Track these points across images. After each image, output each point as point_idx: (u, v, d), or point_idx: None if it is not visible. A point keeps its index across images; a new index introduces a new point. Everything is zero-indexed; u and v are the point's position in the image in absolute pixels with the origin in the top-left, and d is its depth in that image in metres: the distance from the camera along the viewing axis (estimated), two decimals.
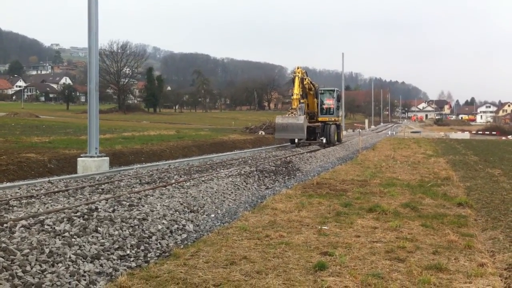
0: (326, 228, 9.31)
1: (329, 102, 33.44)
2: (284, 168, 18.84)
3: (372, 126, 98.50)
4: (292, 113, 28.53)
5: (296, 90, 28.70)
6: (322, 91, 34.14)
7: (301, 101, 31.14)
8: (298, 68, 29.57)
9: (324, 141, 31.18)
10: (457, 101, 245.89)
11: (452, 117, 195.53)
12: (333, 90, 34.30)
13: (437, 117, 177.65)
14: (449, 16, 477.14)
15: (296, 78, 29.03)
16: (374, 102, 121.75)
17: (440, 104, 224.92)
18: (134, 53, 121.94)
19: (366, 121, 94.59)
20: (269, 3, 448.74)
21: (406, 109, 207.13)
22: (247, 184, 14.63)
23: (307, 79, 30.63)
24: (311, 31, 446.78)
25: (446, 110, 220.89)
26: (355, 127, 63.20)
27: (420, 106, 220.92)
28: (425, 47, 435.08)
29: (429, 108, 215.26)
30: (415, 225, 9.60)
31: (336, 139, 33.43)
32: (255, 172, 16.54)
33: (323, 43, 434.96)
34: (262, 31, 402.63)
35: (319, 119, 32.63)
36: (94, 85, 17.40)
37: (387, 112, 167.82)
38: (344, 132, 62.92)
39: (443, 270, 6.85)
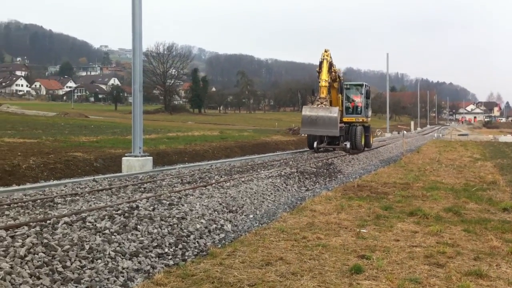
0: (364, 231, 9.21)
1: (357, 100, 28.25)
2: (325, 170, 18.74)
3: (418, 128, 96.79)
4: (322, 103, 23.95)
5: (325, 76, 24.37)
6: (348, 86, 29.17)
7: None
8: (326, 51, 25.32)
9: (348, 146, 26.07)
10: (507, 102, 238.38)
11: (502, 119, 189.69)
12: (361, 85, 29.12)
13: (486, 119, 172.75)
14: (498, 15, 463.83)
15: (325, 61, 24.74)
16: (420, 104, 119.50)
17: (489, 106, 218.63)
18: (179, 55, 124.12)
19: (412, 123, 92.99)
20: (312, 4, 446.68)
21: (453, 111, 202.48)
22: (287, 185, 14.62)
23: (334, 67, 26.19)
24: (356, 31, 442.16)
25: (496, 112, 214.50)
26: (400, 129, 62.16)
27: (469, 108, 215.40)
28: (474, 47, 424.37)
29: (477, 110, 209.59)
30: (457, 230, 9.38)
31: (363, 143, 27.86)
32: (295, 173, 16.51)
33: (367, 44, 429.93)
34: (306, 31, 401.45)
35: (344, 119, 27.28)
36: (138, 85, 17.76)
37: (433, 114, 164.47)
38: (388, 134, 62.11)
39: (483, 277, 6.67)
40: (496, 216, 10.76)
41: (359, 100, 28.19)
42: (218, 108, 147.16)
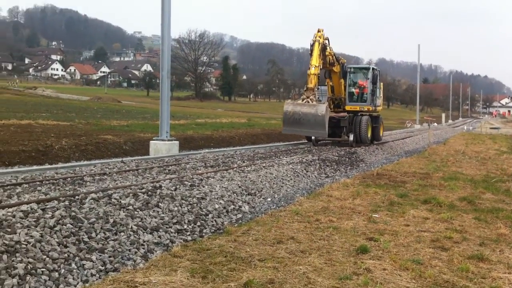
0: (376, 216, 9.53)
1: (362, 85, 24.63)
2: (347, 159, 19.01)
3: (450, 121, 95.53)
4: (308, 97, 20.39)
5: (315, 61, 20.67)
6: (352, 69, 25.55)
7: (324, 83, 24.36)
8: (319, 31, 21.60)
9: (352, 138, 22.88)
10: None
11: None
12: (367, 68, 25.70)
13: None
14: None
15: (316, 43, 20.94)
16: (453, 96, 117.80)
17: None
18: (211, 42, 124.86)
19: (443, 115, 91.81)
20: None
21: (487, 104, 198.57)
22: (307, 171, 14.98)
23: (329, 49, 22.44)
24: (389, 22, 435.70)
25: None
26: (427, 121, 61.50)
27: (503, 101, 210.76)
28: (511, 39, 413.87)
29: None
30: (468, 218, 9.62)
31: (370, 136, 24.44)
32: (317, 160, 16.85)
33: (401, 34, 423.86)
34: (338, 21, 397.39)
35: (347, 107, 24.29)
36: (166, 72, 18.30)
37: (466, 107, 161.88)
38: (417, 126, 61.50)
39: (484, 260, 6.96)
40: (510, 207, 10.92)
41: (365, 85, 24.63)
42: (248, 96, 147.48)
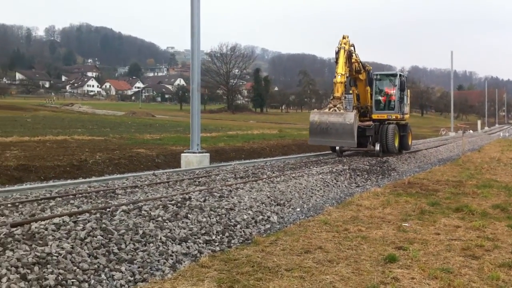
0: (406, 225, 9.45)
1: (389, 93, 23.58)
2: (378, 168, 18.84)
3: (486, 128, 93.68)
4: (335, 106, 19.53)
5: (341, 69, 19.78)
6: (379, 76, 24.29)
7: (349, 91, 23.41)
8: (344, 37, 20.76)
9: (378, 148, 21.92)
10: None
11: None
12: (395, 75, 24.37)
13: None
14: None
15: (342, 51, 20.08)
16: (488, 103, 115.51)
17: None
18: (242, 55, 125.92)
19: (479, 122, 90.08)
20: (375, 2, 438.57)
21: None
22: (337, 181, 14.93)
23: (355, 56, 21.60)
24: (422, 29, 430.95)
25: None
26: (460, 128, 60.33)
27: None
28: None
29: None
30: (501, 225, 9.46)
31: (397, 145, 23.24)
32: (347, 170, 16.77)
33: (434, 41, 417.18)
34: (370, 30, 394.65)
35: (374, 116, 23.21)
36: (196, 85, 18.55)
37: (503, 113, 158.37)
38: (452, 133, 60.49)
39: None
40: None
41: (392, 93, 23.54)
42: (280, 108, 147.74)
